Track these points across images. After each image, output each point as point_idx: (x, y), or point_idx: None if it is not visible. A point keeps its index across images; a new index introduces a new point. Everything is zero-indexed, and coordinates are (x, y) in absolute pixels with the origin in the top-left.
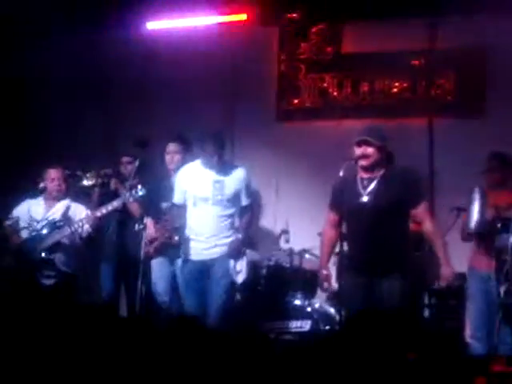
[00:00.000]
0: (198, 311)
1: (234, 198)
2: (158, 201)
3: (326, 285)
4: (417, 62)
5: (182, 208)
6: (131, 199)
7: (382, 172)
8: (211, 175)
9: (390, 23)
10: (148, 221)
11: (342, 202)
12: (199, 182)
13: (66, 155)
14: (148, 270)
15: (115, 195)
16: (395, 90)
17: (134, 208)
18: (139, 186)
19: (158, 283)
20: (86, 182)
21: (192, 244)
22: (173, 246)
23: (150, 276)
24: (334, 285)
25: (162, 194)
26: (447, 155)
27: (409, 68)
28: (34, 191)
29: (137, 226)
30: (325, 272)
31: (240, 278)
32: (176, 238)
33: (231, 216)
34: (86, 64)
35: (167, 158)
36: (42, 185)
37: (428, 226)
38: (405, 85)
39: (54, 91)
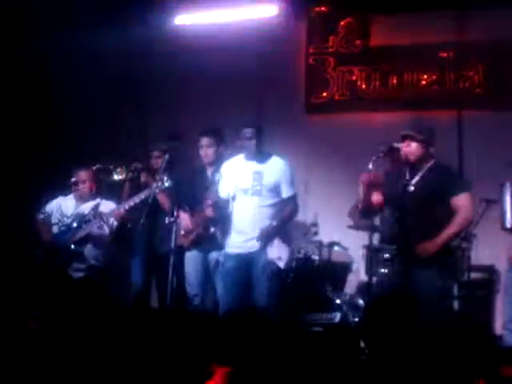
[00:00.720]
0: (233, 305)
1: (275, 189)
2: (193, 193)
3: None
4: (445, 55)
5: (225, 201)
6: (157, 190)
7: (428, 164)
8: (251, 166)
9: (418, 16)
10: (183, 212)
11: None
12: (240, 174)
13: (98, 150)
14: (179, 263)
15: (145, 189)
16: (424, 82)
17: (162, 199)
18: (165, 178)
19: (191, 276)
20: (116, 177)
21: (232, 236)
22: (208, 238)
23: (182, 269)
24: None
25: (198, 187)
26: (476, 147)
27: (437, 60)
28: (65, 189)
29: (167, 218)
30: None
31: (281, 264)
32: (212, 230)
33: (271, 207)
34: (116, 59)
35: (201, 152)
36: (73, 180)
37: (457, 216)
38: (433, 77)
39: (85, 87)
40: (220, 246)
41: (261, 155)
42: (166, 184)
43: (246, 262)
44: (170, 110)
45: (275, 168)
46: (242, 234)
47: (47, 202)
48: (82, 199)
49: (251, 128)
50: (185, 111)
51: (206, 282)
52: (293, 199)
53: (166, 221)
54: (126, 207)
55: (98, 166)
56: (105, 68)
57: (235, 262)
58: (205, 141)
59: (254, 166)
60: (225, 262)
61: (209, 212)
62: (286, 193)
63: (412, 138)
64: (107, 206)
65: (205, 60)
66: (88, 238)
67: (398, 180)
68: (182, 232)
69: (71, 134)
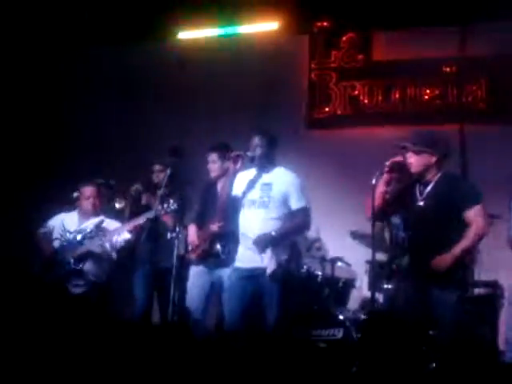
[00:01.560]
0: (239, 321)
1: (283, 202)
2: (202, 208)
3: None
4: (448, 69)
5: (231, 214)
6: (163, 212)
7: (438, 175)
8: (261, 178)
9: (420, 30)
10: (191, 227)
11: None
12: (249, 186)
13: (100, 165)
14: (182, 279)
15: (147, 209)
16: (426, 97)
17: (167, 220)
18: (171, 201)
19: (194, 292)
20: (118, 205)
21: (240, 250)
22: (213, 254)
23: (184, 284)
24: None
25: (206, 202)
26: (479, 162)
27: (440, 75)
28: (68, 205)
29: (169, 234)
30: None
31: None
32: (218, 246)
33: (278, 220)
34: (118, 74)
35: (208, 167)
36: (75, 196)
37: (470, 229)
38: (436, 92)
39: (87, 102)
40: (226, 263)
41: (271, 167)
42: (173, 207)
43: (252, 277)
44: (171, 123)
45: (284, 180)
46: (250, 249)
47: (49, 217)
48: (85, 215)
49: (259, 135)
50: (186, 125)
51: (210, 298)
52: (303, 212)
53: (168, 236)
54: (130, 228)
55: (100, 180)
56: (108, 82)
57: (242, 277)
58: (210, 156)
59: (262, 177)
60: (232, 276)
61: (214, 228)
62: (294, 205)
63: (409, 150)
64: (111, 224)
65: (206, 75)
66: (88, 255)
67: (407, 194)
68: (190, 247)
69: (73, 146)
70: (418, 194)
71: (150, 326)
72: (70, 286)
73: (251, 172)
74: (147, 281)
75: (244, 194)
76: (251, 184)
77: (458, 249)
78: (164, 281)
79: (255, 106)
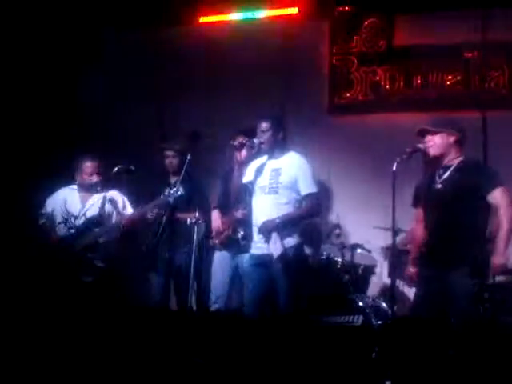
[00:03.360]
0: (257, 306)
1: (292, 187)
2: (227, 194)
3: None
4: (470, 55)
5: (247, 200)
6: (170, 199)
7: (458, 159)
8: (270, 164)
9: (442, 15)
10: (215, 213)
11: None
12: (259, 172)
13: (115, 149)
14: (201, 265)
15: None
16: (448, 83)
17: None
18: (180, 188)
19: (217, 277)
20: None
21: (254, 237)
22: (236, 240)
23: (202, 271)
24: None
25: (227, 188)
26: (501, 148)
27: (462, 61)
28: (69, 181)
29: (189, 220)
30: (412, 269)
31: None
32: (241, 232)
33: (289, 205)
34: (137, 56)
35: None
36: (79, 178)
37: (502, 211)
38: (458, 78)
39: (104, 83)
40: (246, 249)
41: (281, 151)
42: (179, 193)
43: (263, 264)
44: (189, 109)
45: (293, 165)
46: (259, 235)
47: (47, 197)
48: (87, 192)
49: (266, 120)
50: (205, 111)
51: (233, 284)
52: (311, 197)
53: (188, 222)
54: (134, 216)
55: (119, 166)
56: (126, 64)
57: (255, 263)
58: (236, 142)
59: (272, 163)
60: (246, 263)
61: (238, 214)
62: (303, 190)
63: (430, 133)
64: (115, 197)
65: (227, 60)
66: (96, 244)
67: (426, 178)
68: (213, 233)
69: (87, 130)
70: (436, 177)
71: (168, 312)
72: (80, 275)
73: (262, 158)
74: (164, 268)
75: (254, 180)
76: (260, 170)
77: (503, 239)
78: (182, 268)
79: (276, 92)
